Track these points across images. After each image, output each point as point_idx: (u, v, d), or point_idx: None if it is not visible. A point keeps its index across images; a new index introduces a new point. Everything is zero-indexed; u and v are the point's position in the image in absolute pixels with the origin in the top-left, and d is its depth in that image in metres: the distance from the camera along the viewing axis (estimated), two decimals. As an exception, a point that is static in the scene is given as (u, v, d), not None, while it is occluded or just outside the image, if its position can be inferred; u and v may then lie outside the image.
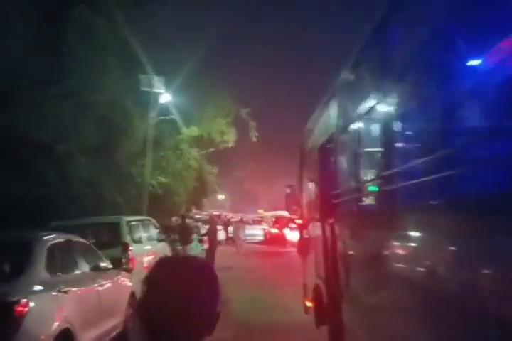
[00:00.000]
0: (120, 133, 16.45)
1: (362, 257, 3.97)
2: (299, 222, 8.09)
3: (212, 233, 17.32)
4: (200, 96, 23.49)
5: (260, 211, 50.62)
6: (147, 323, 1.35)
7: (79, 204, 14.23)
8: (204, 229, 19.02)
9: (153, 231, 12.40)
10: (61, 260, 5.84)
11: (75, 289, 5.59)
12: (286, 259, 21.01)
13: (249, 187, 66.14)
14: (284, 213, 41.05)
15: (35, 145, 12.64)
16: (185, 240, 15.68)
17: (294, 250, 23.77)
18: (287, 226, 29.21)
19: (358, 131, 3.98)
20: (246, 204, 62.27)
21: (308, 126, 6.88)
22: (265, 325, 8.57)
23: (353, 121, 4.08)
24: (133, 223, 10.88)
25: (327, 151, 5.47)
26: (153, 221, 12.90)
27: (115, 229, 9.87)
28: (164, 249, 12.70)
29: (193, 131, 22.94)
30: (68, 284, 5.45)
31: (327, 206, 5.18)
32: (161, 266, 1.44)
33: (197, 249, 17.11)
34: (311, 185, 6.63)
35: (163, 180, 19.95)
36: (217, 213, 39.24)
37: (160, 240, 12.74)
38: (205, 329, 1.38)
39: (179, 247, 15.59)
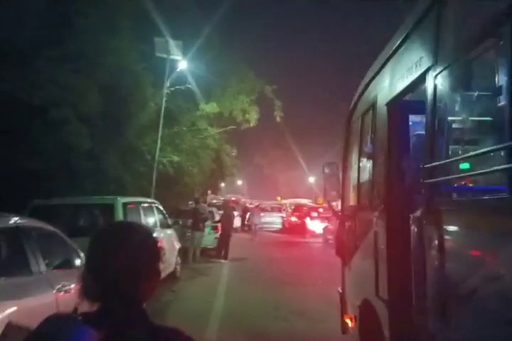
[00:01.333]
0: (129, 101, 14.62)
1: (492, 276, 2.12)
2: (337, 211, 6.15)
3: (225, 219, 15.62)
4: (223, 70, 21.58)
5: (278, 198, 50.12)
6: (93, 282, 1.41)
7: (78, 180, 12.55)
8: (219, 215, 17.27)
9: (158, 216, 10.63)
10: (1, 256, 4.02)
11: (16, 301, 3.72)
12: (307, 250, 20.07)
13: (269, 173, 65.03)
14: (304, 201, 40.25)
15: (27, 110, 10.87)
16: (197, 227, 13.92)
17: (315, 241, 22.82)
18: (308, 216, 27.93)
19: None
20: (264, 191, 61.48)
21: (365, 80, 4.89)
22: (287, 336, 6.99)
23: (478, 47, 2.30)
24: (131, 205, 9.11)
25: (407, 106, 3.74)
26: (158, 204, 11.08)
27: (108, 211, 8.23)
28: (170, 237, 11.04)
29: (213, 107, 20.98)
30: (5, 293, 3.61)
31: (407, 189, 3.48)
32: (103, 230, 1.56)
33: (209, 237, 15.21)
34: (368, 161, 4.64)
35: (175, 158, 18.05)
36: (234, 198, 37.94)
37: (166, 226, 11.01)
38: (147, 286, 1.46)
39: (189, 234, 13.78)
